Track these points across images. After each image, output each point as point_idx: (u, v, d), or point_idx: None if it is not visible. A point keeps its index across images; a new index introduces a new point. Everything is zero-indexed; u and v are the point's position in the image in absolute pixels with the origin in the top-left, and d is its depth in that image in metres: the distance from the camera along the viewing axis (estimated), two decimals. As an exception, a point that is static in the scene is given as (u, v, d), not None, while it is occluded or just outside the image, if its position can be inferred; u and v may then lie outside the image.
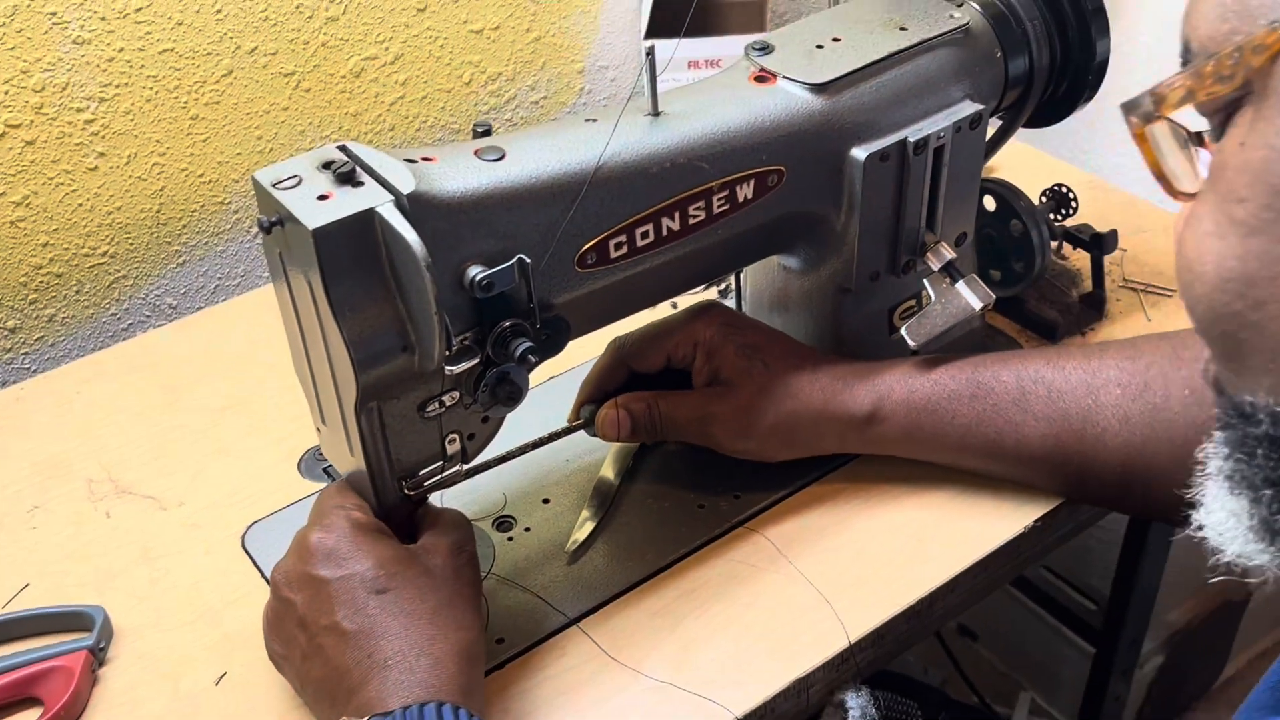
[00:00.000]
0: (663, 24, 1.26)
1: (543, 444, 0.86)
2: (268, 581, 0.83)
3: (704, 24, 1.31)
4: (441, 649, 0.67)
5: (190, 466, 0.94)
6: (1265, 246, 0.44)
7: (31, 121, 1.04)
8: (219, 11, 1.10)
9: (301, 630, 0.69)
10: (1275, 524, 0.46)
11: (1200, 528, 0.49)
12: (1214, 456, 0.49)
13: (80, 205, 1.10)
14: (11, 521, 0.89)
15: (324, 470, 0.92)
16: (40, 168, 1.07)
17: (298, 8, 1.14)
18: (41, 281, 1.11)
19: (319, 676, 0.68)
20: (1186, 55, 0.47)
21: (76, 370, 1.05)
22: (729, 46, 1.28)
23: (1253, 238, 0.44)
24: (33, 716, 0.76)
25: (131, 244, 1.15)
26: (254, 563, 0.85)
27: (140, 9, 1.06)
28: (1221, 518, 0.48)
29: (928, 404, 0.82)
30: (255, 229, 1.21)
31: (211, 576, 0.84)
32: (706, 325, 0.85)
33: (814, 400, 0.83)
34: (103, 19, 1.04)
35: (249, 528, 0.88)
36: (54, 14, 1.02)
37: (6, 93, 1.02)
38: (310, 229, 0.63)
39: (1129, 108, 0.47)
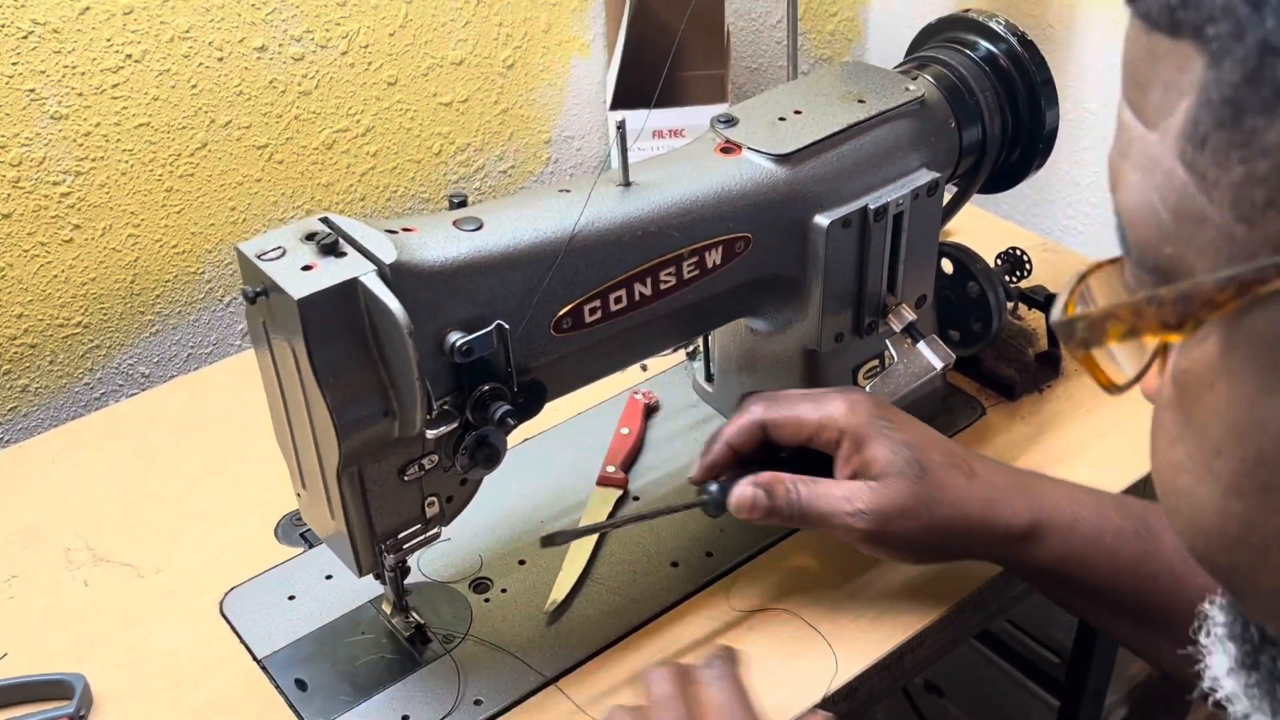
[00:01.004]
0: (627, 96, 1.29)
1: (659, 515, 0.85)
2: (247, 647, 0.84)
3: (668, 96, 1.34)
4: None
5: (167, 534, 0.94)
6: (1245, 513, 0.39)
7: (8, 195, 1.06)
8: (194, 86, 1.12)
9: None
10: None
11: (1213, 690, 0.46)
12: (1218, 643, 0.46)
13: (55, 276, 1.11)
14: (-13, 591, 0.89)
15: (300, 535, 0.93)
16: (16, 240, 1.08)
17: (271, 82, 1.17)
18: (15, 352, 1.12)
19: None
20: (1124, 245, 0.41)
21: (51, 440, 1.05)
22: (692, 117, 1.31)
23: (1235, 500, 0.39)
24: (12, 786, 0.76)
25: (105, 314, 1.16)
26: (233, 628, 0.86)
27: (117, 85, 1.08)
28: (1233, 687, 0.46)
29: (1090, 535, 0.77)
30: (227, 298, 1.22)
31: (191, 643, 0.85)
32: (857, 413, 0.79)
33: (970, 510, 0.78)
34: (80, 94, 1.06)
35: (227, 594, 0.89)
36: (32, 90, 1.04)
37: (-16, 167, 1.04)
38: (295, 298, 0.65)
39: (1064, 333, 0.41)
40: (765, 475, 0.80)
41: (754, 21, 1.51)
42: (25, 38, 1.02)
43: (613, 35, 1.36)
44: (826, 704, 0.80)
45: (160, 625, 0.86)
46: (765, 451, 0.83)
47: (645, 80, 1.31)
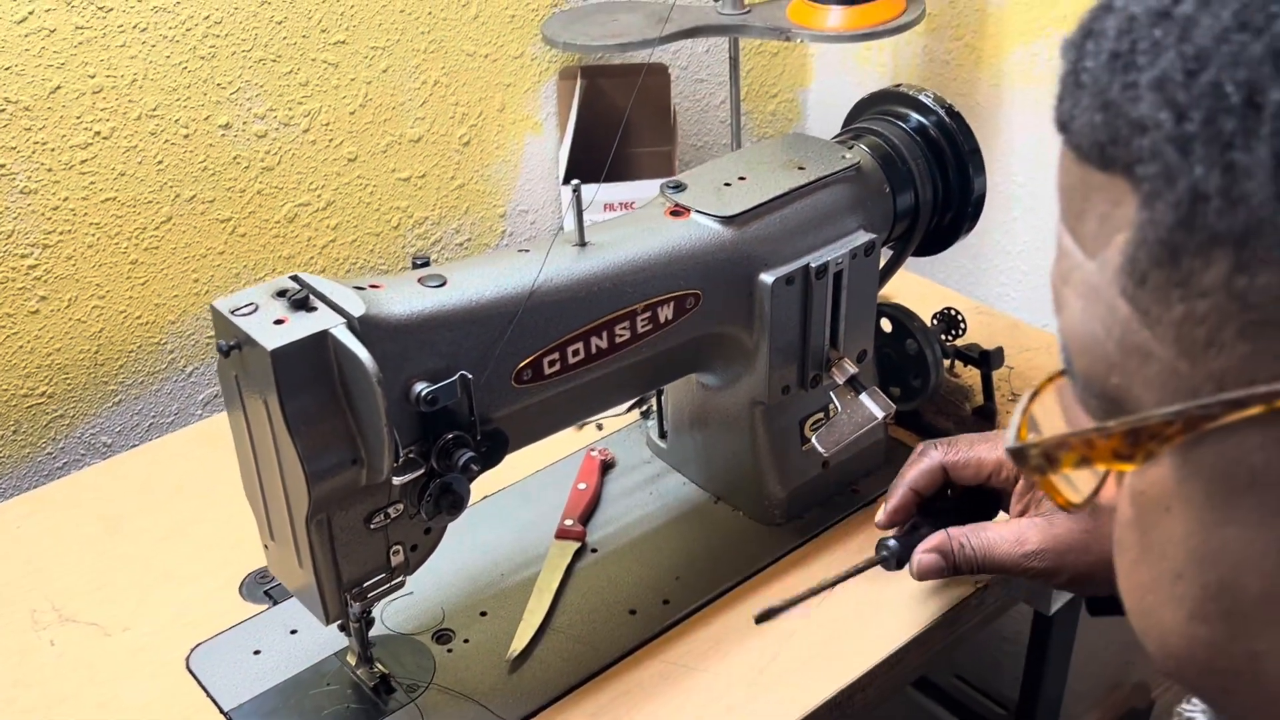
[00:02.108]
0: (579, 171, 1.35)
1: (849, 577, 0.86)
2: (215, 702, 0.86)
3: (619, 171, 1.40)
4: None
5: (133, 594, 0.96)
6: (1211, 638, 0.38)
7: (-24, 267, 1.09)
8: (160, 162, 1.16)
9: None
10: None
11: None
12: None
13: (20, 347, 1.14)
14: (-47, 653, 0.90)
15: (265, 592, 0.95)
16: (-17, 311, 1.11)
17: (235, 158, 1.21)
18: (-21, 422, 1.14)
19: None
20: (1069, 368, 0.40)
21: (14, 507, 1.07)
22: (641, 190, 1.37)
23: (1200, 624, 0.38)
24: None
25: (69, 384, 1.18)
26: (199, 683, 0.87)
27: (85, 161, 1.12)
28: None
29: None
30: (189, 368, 1.25)
31: (159, 698, 0.86)
32: None
33: None
34: (49, 170, 1.10)
35: (193, 650, 0.90)
36: (2, 165, 1.07)
37: (-47, 240, 1.07)
38: (269, 350, 0.68)
39: (1018, 459, 0.41)
40: (934, 539, 0.84)
41: (699, 102, 1.58)
42: (-3, 115, 1.06)
43: (564, 114, 1.42)
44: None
45: (128, 682, 0.88)
46: (939, 492, 0.88)
47: (595, 156, 1.37)
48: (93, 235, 1.14)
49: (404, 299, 0.75)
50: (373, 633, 0.86)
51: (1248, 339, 0.33)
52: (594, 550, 0.98)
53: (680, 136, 1.55)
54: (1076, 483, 0.42)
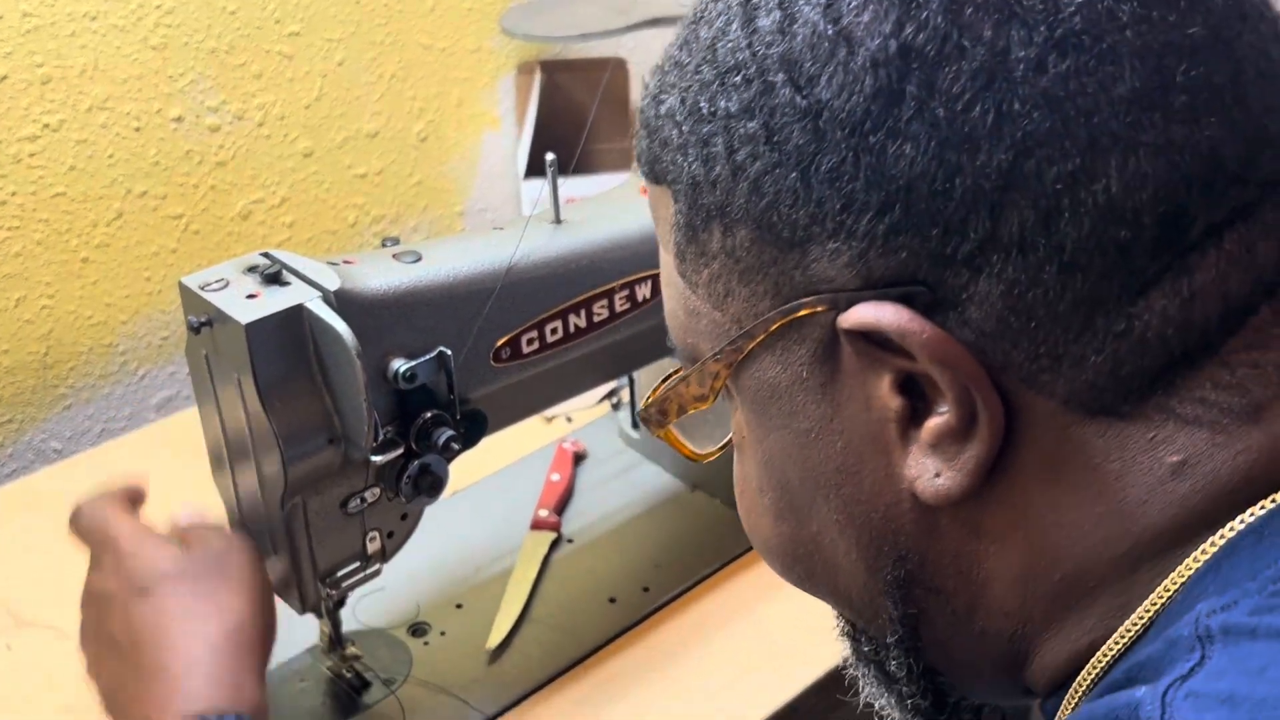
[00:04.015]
0: (539, 167, 1.33)
1: None
2: (181, 700, 0.82)
3: (579, 166, 1.38)
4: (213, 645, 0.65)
5: (91, 597, 0.92)
6: (791, 530, 0.48)
7: (-81, 264, 1.05)
8: (111, 157, 1.13)
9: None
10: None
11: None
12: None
13: (-34, 348, 1.10)
14: (-99, 662, 0.86)
15: (232, 591, 0.92)
16: (-74, 311, 1.06)
17: (187, 153, 1.18)
18: (-77, 427, 1.09)
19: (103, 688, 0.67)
20: (670, 344, 0.51)
21: (-38, 512, 1.03)
22: (602, 185, 1.35)
23: (781, 522, 0.49)
24: None
25: (17, 388, 1.14)
26: (165, 683, 0.84)
27: (34, 154, 1.08)
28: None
29: None
30: (141, 370, 1.21)
31: (121, 699, 0.83)
32: None
33: None
34: (-5, 163, 1.06)
35: (158, 650, 0.87)
36: (-54, 159, 1.04)
37: (-105, 236, 1.03)
38: (243, 324, 0.66)
39: (642, 418, 0.51)
40: None
41: (656, 99, 1.57)
42: (-60, 106, 1.02)
43: (522, 110, 1.40)
44: (770, 725, 0.81)
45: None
46: None
47: (554, 152, 1.35)
48: (42, 231, 1.11)
49: (379, 274, 0.73)
50: (347, 628, 0.83)
51: (745, 284, 0.44)
52: (570, 541, 0.96)
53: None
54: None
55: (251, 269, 0.71)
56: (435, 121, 1.35)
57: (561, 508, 0.99)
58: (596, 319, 0.82)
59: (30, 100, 1.06)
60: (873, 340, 0.41)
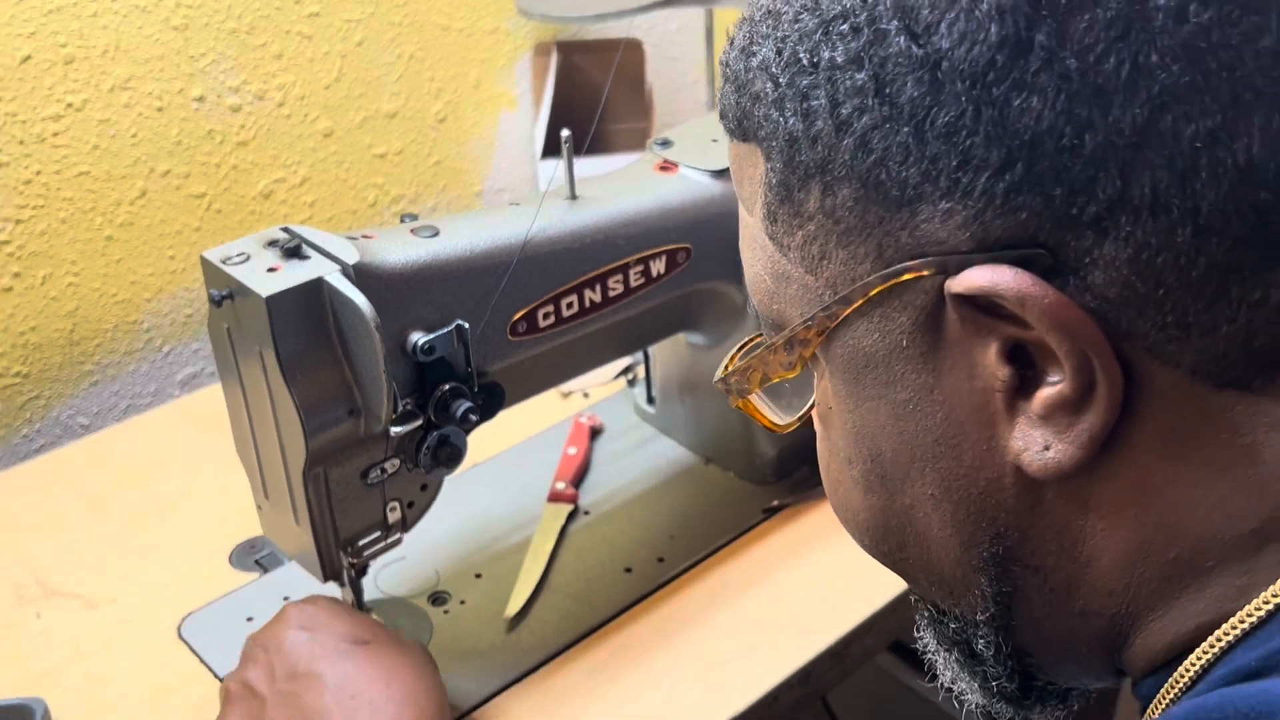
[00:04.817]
0: (556, 147, 1.34)
1: None
2: (210, 668, 0.84)
3: (595, 146, 1.39)
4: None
5: (118, 567, 0.94)
6: (881, 504, 0.46)
7: (-52, 243, 1.07)
8: (134, 136, 1.14)
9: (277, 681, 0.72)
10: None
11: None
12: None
13: (-6, 325, 1.12)
14: (-65, 629, 0.88)
15: (256, 561, 0.94)
16: (-45, 289, 1.08)
17: (209, 133, 1.19)
18: (-47, 402, 1.11)
19: None
20: (755, 313, 0.49)
21: (-8, 486, 1.05)
22: (618, 165, 1.37)
23: (871, 495, 0.46)
24: (-29, 811, 0.75)
25: (44, 364, 1.16)
26: (193, 651, 0.86)
27: (58, 134, 1.10)
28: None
29: None
30: (166, 347, 1.23)
31: (150, 668, 0.85)
32: None
33: None
34: (20, 143, 1.08)
35: (185, 618, 0.89)
36: (-27, 139, 1.05)
37: (-76, 215, 1.04)
38: (263, 296, 0.67)
39: (723, 388, 0.49)
40: None
41: (673, 80, 1.58)
42: (-33, 87, 1.04)
43: (539, 90, 1.41)
44: (781, 688, 0.82)
45: (118, 653, 0.86)
46: None
47: (572, 132, 1.36)
48: (67, 210, 1.13)
49: (398, 248, 0.74)
50: (369, 597, 0.85)
51: (844, 246, 0.42)
52: (586, 513, 0.98)
53: (656, 113, 1.54)
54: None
55: (272, 243, 0.72)
56: (453, 102, 1.36)
57: (578, 480, 1.01)
58: (611, 294, 0.83)
59: (54, 80, 1.08)
60: (981, 306, 0.39)
